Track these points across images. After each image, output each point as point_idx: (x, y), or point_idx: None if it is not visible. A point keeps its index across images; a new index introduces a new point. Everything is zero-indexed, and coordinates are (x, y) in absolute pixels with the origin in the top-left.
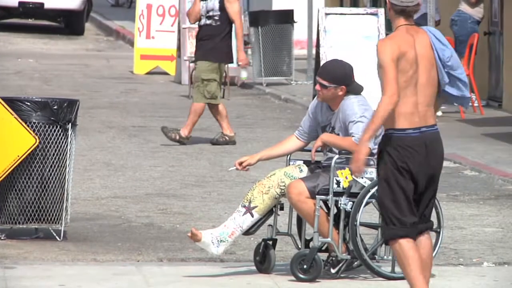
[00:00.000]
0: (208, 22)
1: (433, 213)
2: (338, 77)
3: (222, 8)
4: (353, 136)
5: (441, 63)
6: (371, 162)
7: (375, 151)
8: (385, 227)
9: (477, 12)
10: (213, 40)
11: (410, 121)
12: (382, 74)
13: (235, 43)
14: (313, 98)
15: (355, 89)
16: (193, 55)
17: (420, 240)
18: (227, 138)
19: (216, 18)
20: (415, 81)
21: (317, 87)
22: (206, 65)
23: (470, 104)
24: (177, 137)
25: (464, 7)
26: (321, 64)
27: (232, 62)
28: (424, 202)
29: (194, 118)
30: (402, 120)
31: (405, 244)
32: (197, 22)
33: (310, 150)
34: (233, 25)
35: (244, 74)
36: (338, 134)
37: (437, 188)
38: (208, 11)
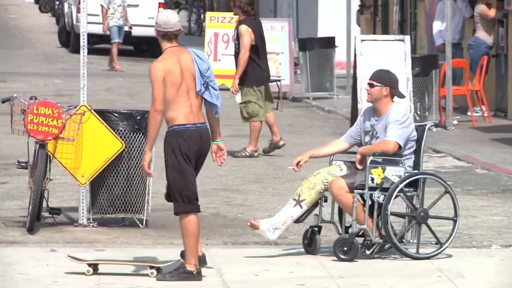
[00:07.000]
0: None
1: (451, 205)
2: (384, 79)
3: (238, 37)
4: (387, 138)
5: (200, 74)
6: (400, 164)
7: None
8: (176, 204)
9: (490, 38)
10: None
11: (188, 118)
12: (152, 90)
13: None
14: (351, 109)
15: (398, 94)
16: None
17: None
18: (248, 152)
19: (237, 46)
20: (186, 90)
21: (366, 87)
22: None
23: (480, 114)
24: (247, 154)
25: (479, 34)
26: (358, 80)
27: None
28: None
29: (255, 135)
30: (182, 118)
31: (192, 219)
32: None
33: (351, 153)
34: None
35: (238, 98)
36: (378, 137)
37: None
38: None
